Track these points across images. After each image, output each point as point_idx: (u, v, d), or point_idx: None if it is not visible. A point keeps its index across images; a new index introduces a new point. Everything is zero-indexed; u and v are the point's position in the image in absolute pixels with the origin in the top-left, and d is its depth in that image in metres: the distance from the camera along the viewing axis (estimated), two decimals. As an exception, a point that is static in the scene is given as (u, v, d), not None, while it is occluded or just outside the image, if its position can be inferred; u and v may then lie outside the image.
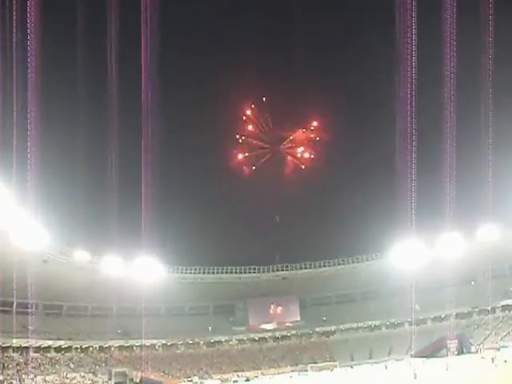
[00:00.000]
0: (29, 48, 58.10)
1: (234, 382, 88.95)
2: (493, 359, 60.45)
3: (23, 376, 74.12)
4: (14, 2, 52.82)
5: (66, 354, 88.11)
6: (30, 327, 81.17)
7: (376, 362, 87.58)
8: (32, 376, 75.46)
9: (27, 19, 56.48)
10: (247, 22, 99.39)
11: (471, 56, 71.10)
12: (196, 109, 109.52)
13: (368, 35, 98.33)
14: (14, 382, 72.06)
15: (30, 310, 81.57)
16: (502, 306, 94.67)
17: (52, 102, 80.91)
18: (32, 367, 77.40)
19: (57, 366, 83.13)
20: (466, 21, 64.78)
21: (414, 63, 66.13)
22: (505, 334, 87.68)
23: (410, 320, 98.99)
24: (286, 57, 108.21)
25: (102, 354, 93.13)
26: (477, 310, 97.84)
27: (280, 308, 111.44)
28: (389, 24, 68.84)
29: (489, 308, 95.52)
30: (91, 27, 77.46)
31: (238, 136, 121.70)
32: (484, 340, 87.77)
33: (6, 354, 77.90)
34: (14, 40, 54.59)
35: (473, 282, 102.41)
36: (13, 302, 79.60)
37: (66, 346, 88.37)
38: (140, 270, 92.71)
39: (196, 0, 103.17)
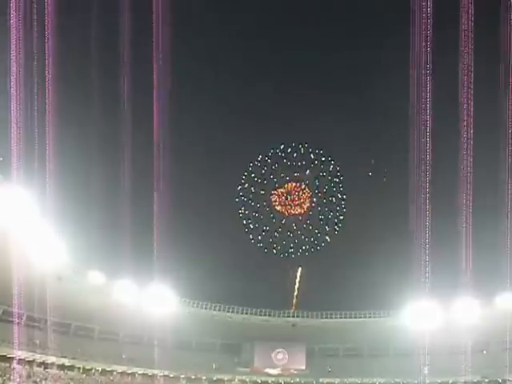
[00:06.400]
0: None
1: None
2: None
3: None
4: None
5: (69, 373, 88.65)
6: (36, 341, 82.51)
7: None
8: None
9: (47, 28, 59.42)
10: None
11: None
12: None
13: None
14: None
15: (38, 325, 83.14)
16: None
17: (72, 119, 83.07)
18: (33, 381, 78.18)
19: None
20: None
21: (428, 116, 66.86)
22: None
23: (416, 382, 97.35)
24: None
25: (104, 378, 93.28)
26: (486, 380, 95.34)
27: (285, 356, 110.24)
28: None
29: (499, 380, 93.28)
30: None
31: None
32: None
33: (9, 365, 78.79)
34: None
35: (484, 351, 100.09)
36: (23, 314, 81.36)
37: (69, 364, 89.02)
38: (152, 299, 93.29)
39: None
